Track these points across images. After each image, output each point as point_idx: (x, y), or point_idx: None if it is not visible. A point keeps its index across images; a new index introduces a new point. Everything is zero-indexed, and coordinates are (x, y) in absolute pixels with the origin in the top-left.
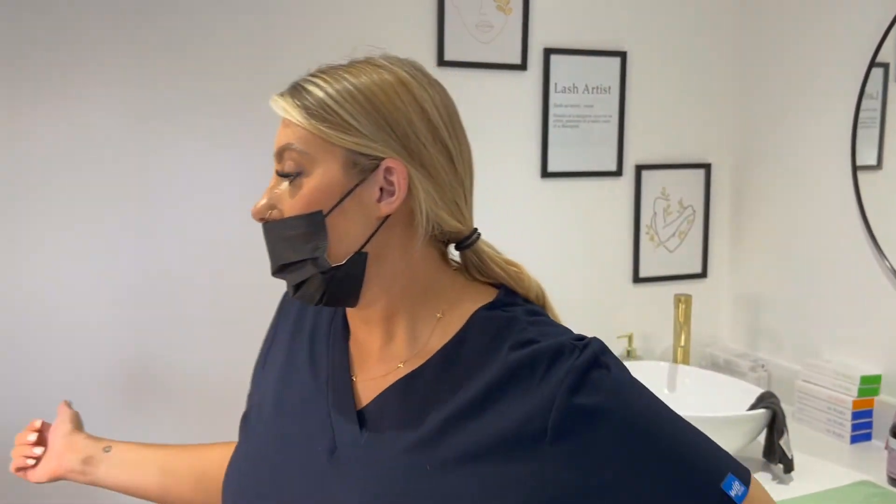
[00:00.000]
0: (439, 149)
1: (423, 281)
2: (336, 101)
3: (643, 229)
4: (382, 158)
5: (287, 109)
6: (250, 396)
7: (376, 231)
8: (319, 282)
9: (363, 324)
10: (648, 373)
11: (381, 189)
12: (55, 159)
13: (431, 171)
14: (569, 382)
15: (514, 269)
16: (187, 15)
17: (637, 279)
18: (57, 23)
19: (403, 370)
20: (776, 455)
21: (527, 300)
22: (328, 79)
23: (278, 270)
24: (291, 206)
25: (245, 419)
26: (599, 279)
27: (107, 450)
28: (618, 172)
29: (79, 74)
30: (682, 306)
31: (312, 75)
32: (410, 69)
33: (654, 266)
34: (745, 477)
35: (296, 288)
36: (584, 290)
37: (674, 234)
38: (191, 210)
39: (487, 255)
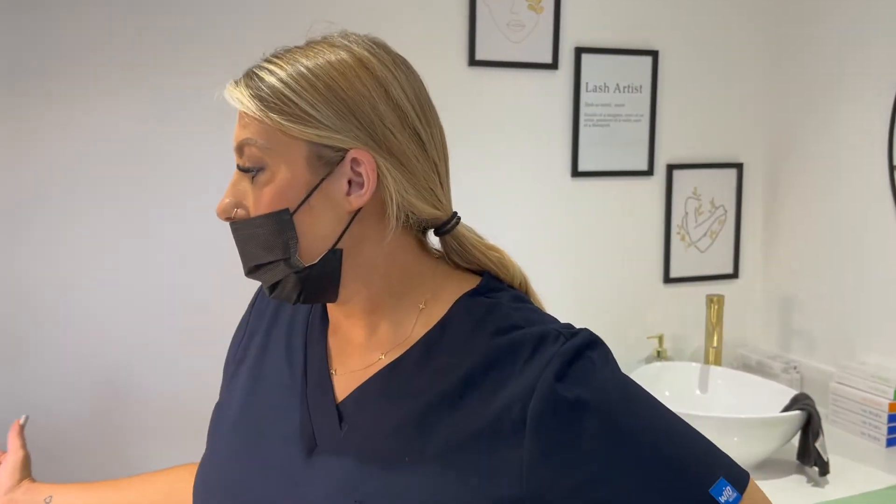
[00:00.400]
0: (409, 134)
1: (402, 271)
2: (293, 90)
3: (674, 229)
4: (348, 149)
5: (242, 101)
6: (221, 392)
7: (348, 226)
8: (295, 281)
9: (345, 318)
10: (679, 374)
11: (350, 181)
12: (78, 161)
13: (402, 159)
14: (552, 370)
15: (496, 254)
16: (210, 15)
17: (668, 279)
18: (79, 24)
19: (384, 361)
20: (811, 458)
21: (511, 287)
22: (283, 64)
23: (251, 271)
24: (256, 204)
25: (215, 413)
26: (630, 279)
27: (47, 500)
28: (649, 172)
29: (100, 76)
30: (714, 307)
31: (267, 60)
32: (371, 47)
33: (685, 266)
34: (740, 482)
35: (271, 288)
36: (615, 291)
37: (705, 234)
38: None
39: (468, 241)
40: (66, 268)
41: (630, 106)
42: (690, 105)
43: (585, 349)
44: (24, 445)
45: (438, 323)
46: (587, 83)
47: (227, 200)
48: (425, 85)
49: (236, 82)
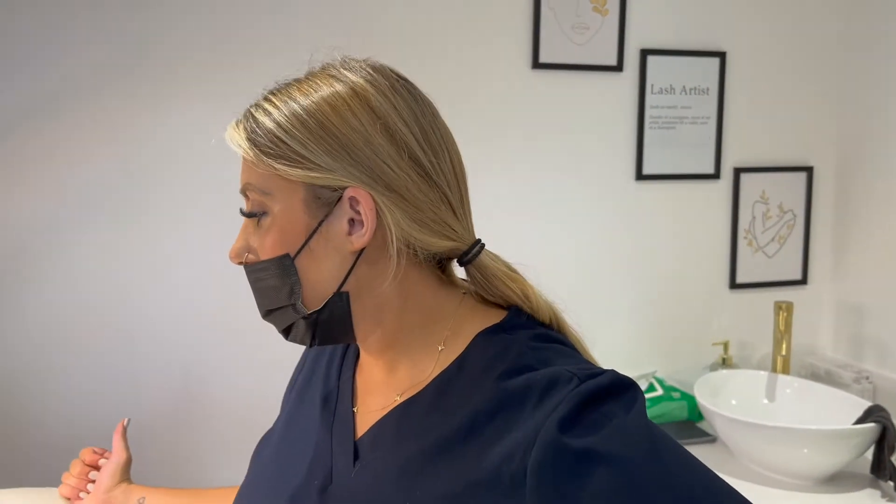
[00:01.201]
0: (408, 165)
1: (418, 308)
2: (285, 131)
3: (741, 234)
4: (345, 188)
5: (241, 145)
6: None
7: (353, 267)
8: (305, 326)
9: (367, 355)
10: (746, 382)
11: (352, 220)
12: (169, 161)
13: (403, 194)
14: (557, 416)
15: (519, 285)
16: (310, 19)
17: (734, 285)
18: (173, 27)
19: (400, 401)
20: (886, 472)
21: (541, 323)
22: (277, 102)
23: (265, 315)
24: (261, 248)
25: (261, 441)
26: (695, 285)
27: (140, 501)
28: (715, 175)
29: (189, 78)
30: (783, 314)
31: (264, 98)
32: (369, 74)
33: (752, 272)
34: None
35: (285, 332)
36: (679, 296)
37: (773, 239)
38: None
39: (491, 271)
40: (158, 272)
41: (696, 108)
42: (759, 107)
43: (603, 393)
44: (127, 447)
45: (455, 361)
46: (652, 85)
47: (239, 244)
48: (433, 104)
49: (237, 123)
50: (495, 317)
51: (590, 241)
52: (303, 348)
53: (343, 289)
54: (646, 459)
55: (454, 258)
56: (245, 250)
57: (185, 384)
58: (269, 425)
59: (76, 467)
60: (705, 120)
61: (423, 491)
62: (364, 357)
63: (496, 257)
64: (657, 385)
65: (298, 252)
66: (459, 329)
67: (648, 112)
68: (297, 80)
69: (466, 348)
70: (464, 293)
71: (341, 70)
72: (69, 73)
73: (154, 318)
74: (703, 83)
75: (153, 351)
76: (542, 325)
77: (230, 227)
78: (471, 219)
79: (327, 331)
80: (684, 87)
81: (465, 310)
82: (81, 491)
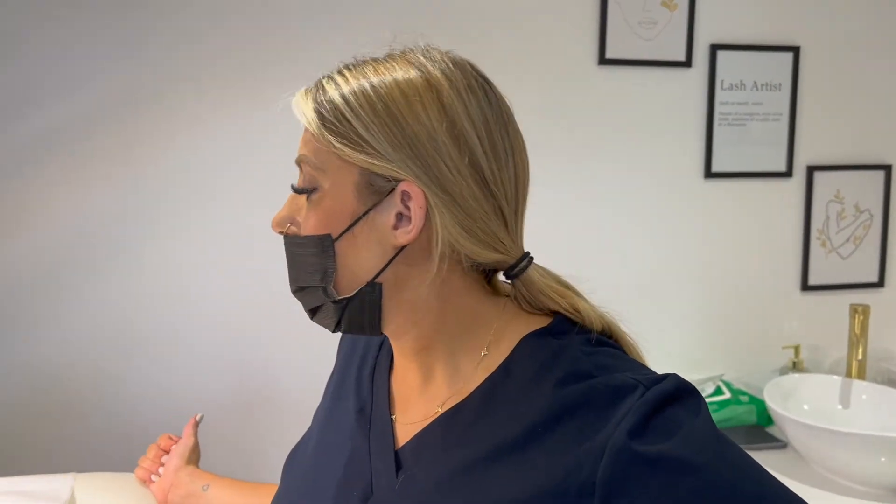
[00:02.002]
0: (468, 171)
1: (459, 313)
2: (351, 109)
3: (814, 234)
4: (400, 180)
5: (305, 114)
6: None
7: (391, 261)
8: (332, 310)
9: (401, 356)
10: (819, 387)
11: (400, 214)
12: (235, 160)
13: (456, 198)
14: (627, 425)
15: (569, 301)
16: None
17: (806, 287)
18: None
19: (443, 411)
20: None
21: (589, 329)
22: (350, 78)
23: (295, 291)
24: (305, 223)
25: (291, 453)
26: (765, 286)
27: (205, 488)
28: (787, 173)
29: (256, 79)
30: (858, 317)
31: (338, 71)
32: (448, 68)
33: (825, 274)
34: None
35: (311, 312)
36: (748, 298)
37: (848, 240)
38: None
39: (536, 287)
40: (215, 267)
41: (768, 104)
42: (834, 103)
43: (670, 399)
44: (195, 435)
45: (501, 366)
46: (722, 81)
47: (283, 213)
48: (510, 107)
49: (306, 91)
50: (540, 321)
51: (657, 240)
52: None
53: (377, 280)
54: (718, 464)
55: (500, 270)
56: (288, 220)
57: (249, 377)
58: None
59: (152, 451)
60: (777, 116)
61: (479, 498)
62: (398, 360)
63: (545, 273)
64: (724, 388)
65: (340, 235)
66: (502, 333)
67: (718, 108)
68: (375, 60)
69: (512, 352)
70: (507, 297)
71: (420, 58)
72: (145, 73)
73: (215, 311)
74: (776, 78)
75: (213, 345)
76: (590, 330)
77: None
78: (522, 231)
79: (354, 319)
80: (755, 82)
81: (508, 314)
82: (154, 474)
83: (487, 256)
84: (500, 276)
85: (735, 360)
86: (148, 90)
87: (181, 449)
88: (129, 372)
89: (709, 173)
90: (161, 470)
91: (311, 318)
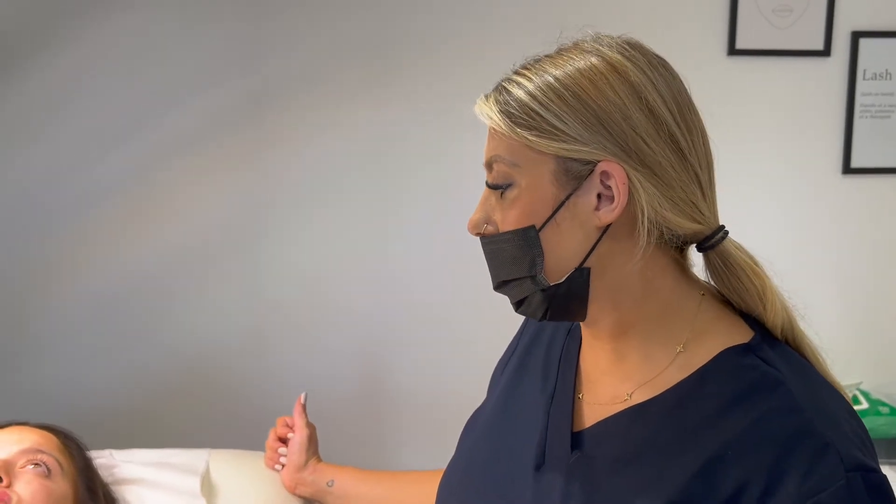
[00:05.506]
0: (665, 142)
1: (658, 297)
2: (540, 103)
3: None
4: (597, 162)
5: (491, 117)
6: (486, 399)
7: (597, 243)
8: (541, 299)
9: (594, 339)
10: None
11: (599, 195)
12: (359, 158)
13: (656, 170)
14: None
15: (760, 282)
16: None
17: None
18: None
19: (630, 402)
20: None
21: (780, 338)
22: (530, 75)
23: (498, 286)
24: (504, 220)
25: (471, 419)
26: None
27: (329, 484)
28: None
29: (379, 82)
30: None
31: (515, 72)
32: (625, 50)
33: None
34: None
35: (517, 304)
36: (891, 302)
37: None
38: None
39: (735, 260)
40: (332, 266)
41: None
42: None
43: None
44: (308, 422)
45: (697, 372)
46: (864, 70)
47: (478, 216)
48: (685, 83)
49: (486, 97)
50: (741, 331)
51: (790, 239)
52: (500, 332)
53: (585, 265)
54: None
55: (695, 242)
56: (484, 221)
57: (370, 369)
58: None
59: (271, 436)
60: None
61: (653, 498)
62: (589, 341)
63: (740, 246)
64: (862, 398)
65: (544, 224)
66: (701, 336)
67: (859, 100)
68: (549, 56)
69: (710, 363)
70: (702, 294)
71: (595, 45)
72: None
73: (340, 305)
74: None
75: (336, 336)
76: (781, 342)
77: (414, 214)
78: (716, 203)
79: (562, 306)
80: None
81: (706, 315)
82: (276, 463)
83: (688, 227)
84: (694, 250)
85: (875, 368)
86: (273, 92)
87: (297, 444)
88: (258, 361)
89: (847, 169)
90: (283, 460)
91: (517, 310)
